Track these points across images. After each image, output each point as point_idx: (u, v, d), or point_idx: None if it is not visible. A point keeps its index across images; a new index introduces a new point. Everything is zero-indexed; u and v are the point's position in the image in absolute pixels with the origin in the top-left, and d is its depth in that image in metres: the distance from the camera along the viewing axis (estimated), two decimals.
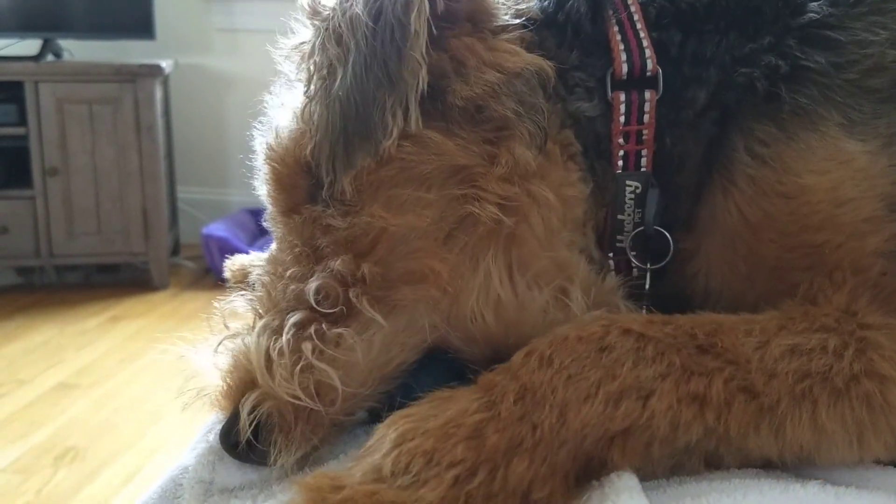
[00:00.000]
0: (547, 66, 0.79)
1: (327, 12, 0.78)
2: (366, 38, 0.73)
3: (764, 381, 0.64)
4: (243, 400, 0.72)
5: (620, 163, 0.81)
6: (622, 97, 0.80)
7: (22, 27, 3.77)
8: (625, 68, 0.80)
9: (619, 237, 0.83)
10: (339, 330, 0.74)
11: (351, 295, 0.75)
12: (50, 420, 2.50)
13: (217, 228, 3.78)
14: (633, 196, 0.81)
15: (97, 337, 3.17)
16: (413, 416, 0.64)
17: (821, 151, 0.74)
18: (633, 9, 0.82)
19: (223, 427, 0.75)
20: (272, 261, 0.84)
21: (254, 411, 0.71)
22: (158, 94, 3.73)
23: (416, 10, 0.72)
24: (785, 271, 0.76)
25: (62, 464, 2.25)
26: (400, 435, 0.62)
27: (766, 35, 0.78)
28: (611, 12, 0.83)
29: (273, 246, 0.87)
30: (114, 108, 3.61)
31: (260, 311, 0.81)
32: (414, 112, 0.73)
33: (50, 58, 3.75)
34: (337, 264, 0.76)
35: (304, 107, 0.79)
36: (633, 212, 0.82)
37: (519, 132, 0.76)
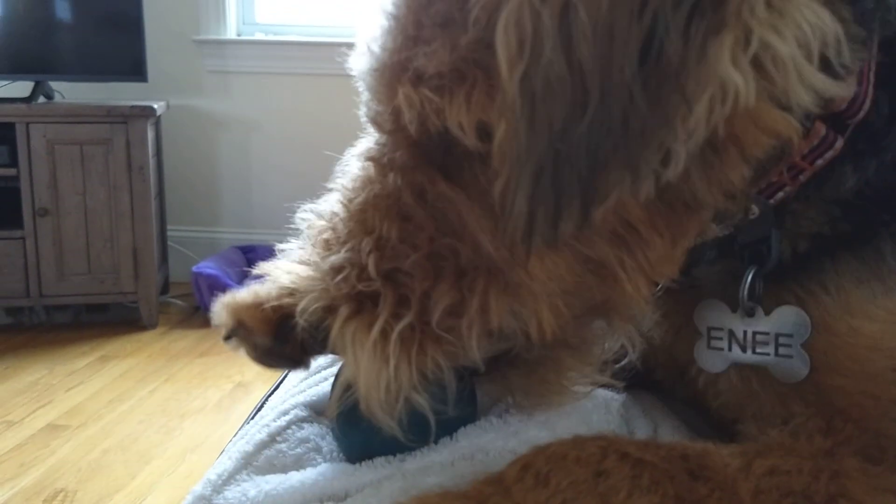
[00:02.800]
0: None
1: None
2: (622, 84, 0.53)
3: (751, 499, 0.63)
4: None
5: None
6: (823, 130, 0.71)
7: (13, 69, 3.79)
8: (845, 104, 0.71)
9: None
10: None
11: (463, 321, 0.67)
12: (39, 462, 2.49)
13: (206, 266, 3.80)
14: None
15: (86, 377, 3.16)
16: None
17: (881, 302, 0.71)
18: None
19: None
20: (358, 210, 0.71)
21: None
22: (150, 135, 3.75)
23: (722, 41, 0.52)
24: (790, 399, 0.74)
25: None
26: None
27: None
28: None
29: (365, 169, 0.73)
30: (105, 149, 3.63)
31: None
32: (645, 194, 0.56)
33: (41, 99, 3.77)
34: (467, 279, 0.67)
35: (502, 123, 0.57)
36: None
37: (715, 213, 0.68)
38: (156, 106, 3.75)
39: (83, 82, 4.02)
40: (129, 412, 2.86)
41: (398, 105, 0.64)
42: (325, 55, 4.17)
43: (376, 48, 0.67)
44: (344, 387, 0.68)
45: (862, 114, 0.71)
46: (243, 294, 0.82)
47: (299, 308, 0.70)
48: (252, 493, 0.74)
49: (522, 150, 0.55)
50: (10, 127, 3.51)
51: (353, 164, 0.75)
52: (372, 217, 0.69)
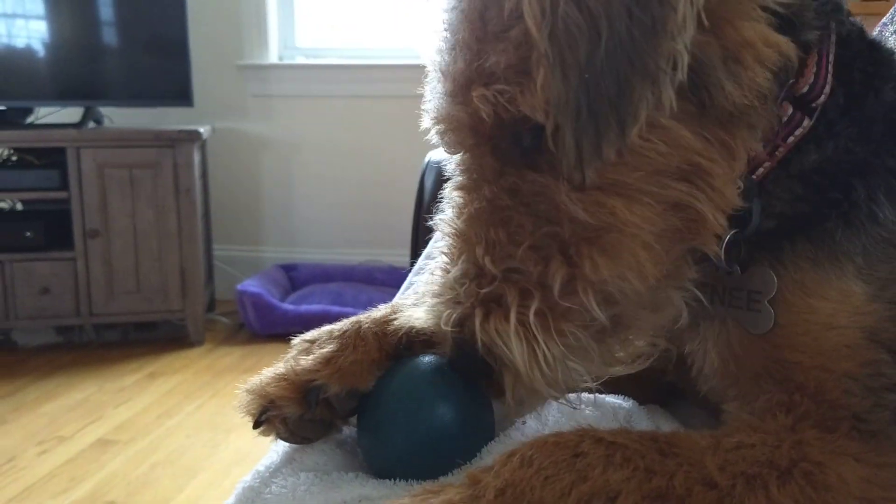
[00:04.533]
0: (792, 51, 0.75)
1: None
2: (622, 10, 0.66)
3: (718, 470, 0.70)
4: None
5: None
6: (790, 109, 0.81)
7: (64, 95, 3.91)
8: (806, 87, 0.80)
9: None
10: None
11: (579, 287, 0.74)
12: (90, 476, 2.56)
13: (251, 285, 3.88)
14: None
15: (135, 393, 3.24)
16: None
17: (834, 283, 0.79)
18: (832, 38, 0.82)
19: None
20: (468, 221, 0.79)
21: None
22: (196, 158, 3.85)
23: None
24: (763, 380, 0.81)
25: None
26: None
27: (888, 153, 0.81)
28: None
29: (458, 198, 0.81)
30: (153, 172, 3.73)
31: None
32: (668, 102, 0.68)
33: (91, 125, 3.88)
34: (572, 251, 0.74)
35: (541, 71, 0.69)
36: None
37: (754, 123, 0.75)
38: (201, 130, 3.85)
39: (131, 108, 4.13)
40: (176, 427, 2.93)
41: (475, 109, 0.74)
42: (364, 77, 4.25)
43: (447, 74, 0.77)
44: (513, 378, 0.76)
45: (823, 97, 0.81)
46: (261, 377, 0.88)
47: (442, 320, 0.78)
48: (300, 489, 0.78)
49: (561, 91, 0.68)
50: (61, 151, 3.63)
51: (446, 207, 0.83)
52: (476, 230, 0.78)
